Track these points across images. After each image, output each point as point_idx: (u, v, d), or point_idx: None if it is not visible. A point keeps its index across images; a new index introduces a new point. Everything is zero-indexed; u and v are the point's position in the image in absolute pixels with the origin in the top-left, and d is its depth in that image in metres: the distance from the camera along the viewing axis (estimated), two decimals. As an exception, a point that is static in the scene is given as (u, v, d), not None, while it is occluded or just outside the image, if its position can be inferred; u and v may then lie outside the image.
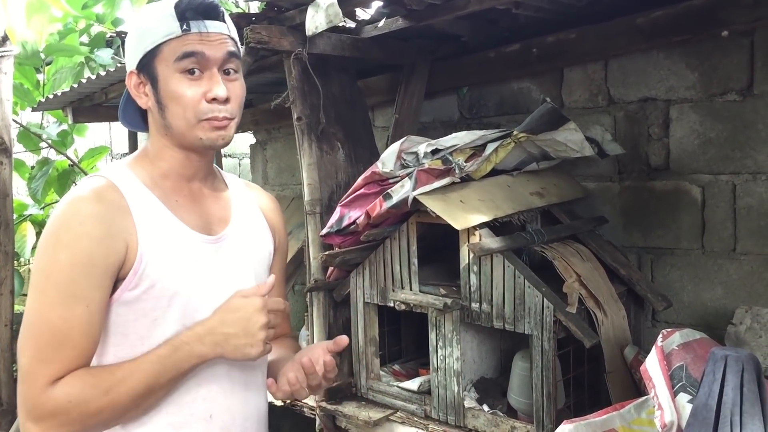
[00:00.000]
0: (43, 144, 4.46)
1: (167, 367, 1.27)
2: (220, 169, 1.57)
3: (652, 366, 1.75)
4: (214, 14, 1.34)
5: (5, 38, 2.78)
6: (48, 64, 4.24)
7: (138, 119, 1.46)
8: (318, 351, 1.46)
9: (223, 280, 1.39)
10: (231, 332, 1.26)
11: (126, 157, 1.44)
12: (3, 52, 2.78)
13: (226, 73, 1.35)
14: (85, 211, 1.26)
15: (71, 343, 1.22)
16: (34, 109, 4.29)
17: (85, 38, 4.52)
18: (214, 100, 1.31)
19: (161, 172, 1.39)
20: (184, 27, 1.30)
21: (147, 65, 1.33)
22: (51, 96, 3.87)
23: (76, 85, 3.53)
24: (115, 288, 1.29)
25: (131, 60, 1.37)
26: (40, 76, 4.32)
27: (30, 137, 4.37)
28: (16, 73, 3.60)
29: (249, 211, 1.53)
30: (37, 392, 1.21)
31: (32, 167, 4.50)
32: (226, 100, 1.33)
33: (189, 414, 1.35)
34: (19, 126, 4.18)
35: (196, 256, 1.36)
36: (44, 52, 4.01)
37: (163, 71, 1.32)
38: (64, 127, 4.47)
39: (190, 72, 1.31)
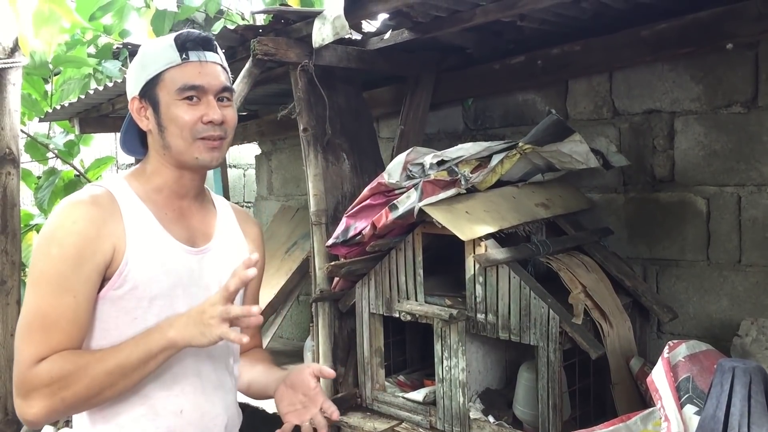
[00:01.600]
0: (50, 154, 4.48)
1: (139, 346, 1.35)
2: (209, 190, 1.69)
3: (659, 377, 1.75)
4: (210, 46, 1.50)
5: (14, 49, 2.79)
6: (56, 74, 4.26)
7: (137, 145, 1.59)
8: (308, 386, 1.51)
9: (202, 289, 1.49)
10: (191, 319, 1.35)
11: (125, 170, 1.56)
12: (11, 63, 2.80)
13: (220, 100, 1.48)
14: (79, 212, 1.38)
15: (59, 327, 1.34)
16: (41, 120, 4.31)
17: (92, 49, 4.55)
18: (210, 122, 1.44)
19: (155, 187, 1.51)
20: (183, 56, 1.45)
21: (149, 91, 1.46)
22: (58, 107, 3.89)
23: (83, 96, 3.56)
24: (102, 286, 1.40)
25: (134, 86, 1.50)
26: (47, 87, 4.34)
27: (37, 147, 4.40)
28: (24, 84, 3.63)
29: (231, 231, 1.63)
30: (23, 370, 1.32)
31: (39, 177, 4.52)
32: (221, 123, 1.47)
33: (162, 407, 1.45)
34: (26, 136, 4.20)
35: (178, 264, 1.47)
36: (52, 62, 4.03)
37: (164, 97, 1.45)
38: (71, 137, 4.49)
39: (189, 99, 1.45)
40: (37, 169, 5.12)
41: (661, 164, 2.57)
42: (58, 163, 4.60)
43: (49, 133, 4.68)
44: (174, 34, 1.48)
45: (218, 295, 1.34)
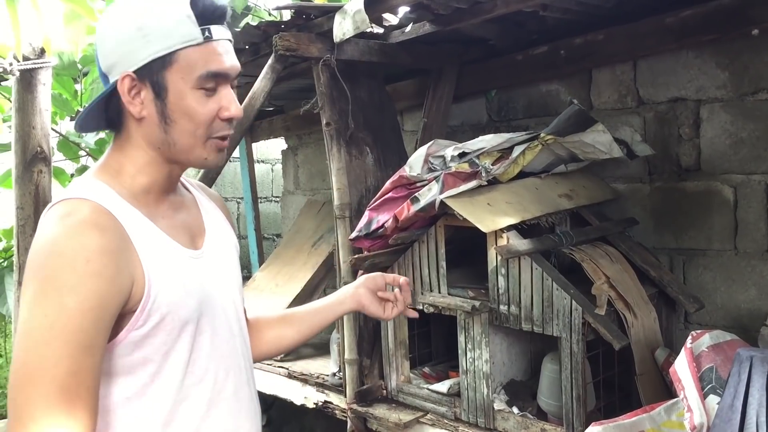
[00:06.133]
0: (81, 152, 4.56)
1: None
2: None
3: (682, 368, 1.74)
4: (226, 17, 1.22)
5: (43, 50, 2.85)
6: (85, 74, 4.33)
7: (100, 121, 1.26)
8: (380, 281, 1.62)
9: (217, 294, 1.31)
10: None
11: (91, 170, 1.25)
12: (41, 63, 2.85)
13: (231, 86, 1.25)
14: (91, 245, 1.08)
15: (81, 401, 1.07)
16: (72, 119, 4.39)
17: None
18: (228, 119, 1.22)
19: (143, 188, 1.23)
20: (206, 34, 1.16)
21: (153, 72, 1.16)
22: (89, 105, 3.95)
23: (112, 95, 3.61)
24: (117, 327, 1.14)
25: (125, 60, 1.16)
26: (77, 86, 4.41)
27: (69, 146, 4.47)
28: (54, 84, 3.69)
29: (213, 213, 1.42)
30: None
31: (71, 175, 4.60)
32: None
33: None
34: (58, 135, 4.28)
35: (193, 276, 1.25)
36: (80, 62, 4.09)
37: (176, 83, 1.16)
38: (102, 135, 4.56)
39: (208, 89, 1.19)
40: (70, 167, 5.21)
41: (686, 153, 2.54)
42: (89, 161, 4.67)
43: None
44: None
45: None
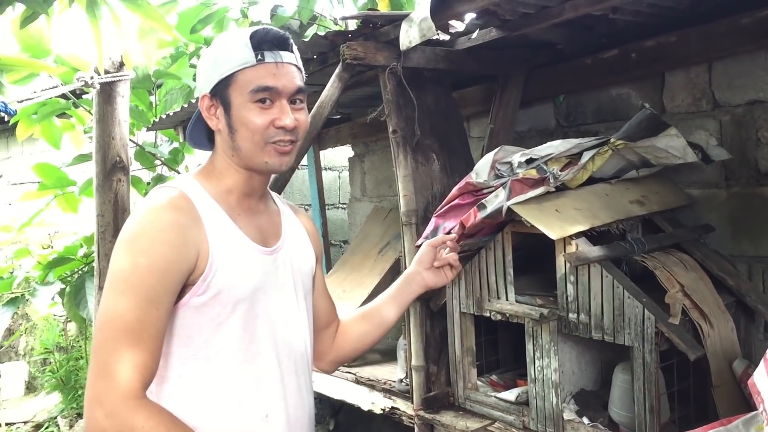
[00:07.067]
0: (157, 161, 4.71)
1: None
2: (269, 189, 1.69)
3: (761, 380, 1.67)
4: (286, 45, 1.46)
5: (122, 63, 2.97)
6: (158, 86, 4.48)
7: (203, 139, 1.59)
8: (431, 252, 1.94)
9: (278, 290, 1.53)
10: None
11: (192, 171, 1.56)
12: (120, 76, 2.97)
13: (293, 102, 1.47)
14: (164, 219, 1.36)
15: (144, 344, 1.29)
16: (148, 129, 4.56)
17: (195, 60, 4.76)
18: (281, 127, 1.44)
19: (226, 187, 1.51)
20: (259, 57, 1.41)
21: (221, 91, 1.44)
22: (164, 116, 4.10)
23: (186, 105, 3.73)
24: (183, 293, 1.38)
25: (204, 84, 1.48)
26: (152, 98, 4.57)
27: (145, 156, 4.63)
28: (131, 96, 3.84)
29: (295, 228, 1.67)
30: (119, 397, 1.26)
31: (148, 183, 4.76)
32: (293, 128, 1.46)
33: (247, 412, 1.45)
34: (135, 145, 4.44)
35: (256, 266, 1.48)
36: (154, 75, 4.25)
37: (236, 98, 1.43)
38: (176, 145, 4.72)
39: (262, 101, 1.43)
40: (146, 176, 5.39)
41: (765, 157, 2.45)
42: (164, 170, 4.83)
43: (156, 142, 4.92)
44: (249, 32, 1.43)
45: None
